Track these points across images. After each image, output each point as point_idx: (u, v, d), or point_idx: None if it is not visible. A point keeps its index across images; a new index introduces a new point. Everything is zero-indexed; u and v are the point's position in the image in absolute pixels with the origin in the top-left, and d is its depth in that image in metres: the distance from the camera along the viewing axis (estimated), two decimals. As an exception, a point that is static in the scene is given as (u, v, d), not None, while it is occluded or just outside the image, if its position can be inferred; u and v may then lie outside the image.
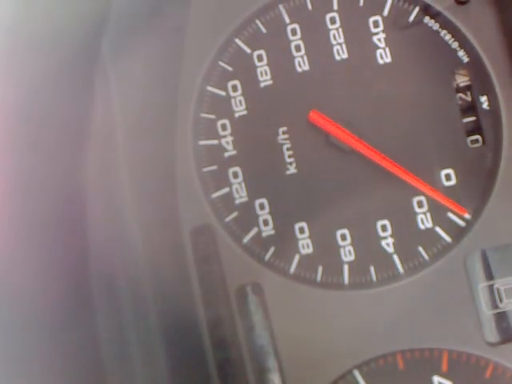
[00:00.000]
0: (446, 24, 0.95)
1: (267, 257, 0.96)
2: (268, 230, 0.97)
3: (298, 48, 0.97)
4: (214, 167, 0.98)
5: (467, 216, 0.94)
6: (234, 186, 0.97)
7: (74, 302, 0.83)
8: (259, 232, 0.97)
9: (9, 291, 0.73)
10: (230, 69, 0.98)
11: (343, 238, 0.95)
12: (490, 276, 0.93)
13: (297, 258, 0.96)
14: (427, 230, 0.95)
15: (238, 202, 0.97)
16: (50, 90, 0.79)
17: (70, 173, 0.86)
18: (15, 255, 0.74)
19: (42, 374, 0.76)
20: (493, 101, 0.94)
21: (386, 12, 0.96)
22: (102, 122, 0.89)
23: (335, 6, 0.96)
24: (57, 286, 0.80)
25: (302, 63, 0.97)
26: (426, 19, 0.95)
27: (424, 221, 0.95)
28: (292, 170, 0.96)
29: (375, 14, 0.96)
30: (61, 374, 0.78)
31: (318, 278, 0.96)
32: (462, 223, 0.94)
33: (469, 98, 0.95)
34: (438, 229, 0.94)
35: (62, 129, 0.83)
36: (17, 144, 0.75)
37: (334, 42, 0.97)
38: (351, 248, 0.95)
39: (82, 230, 0.86)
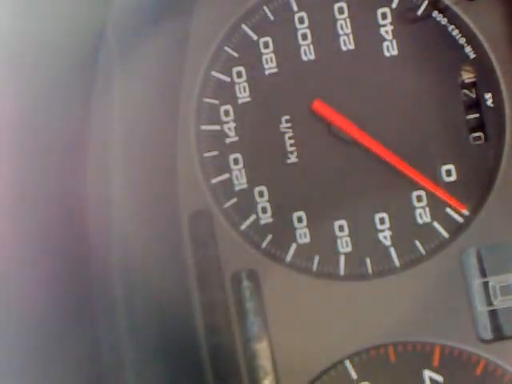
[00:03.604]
0: (454, 19, 0.94)
1: (264, 244, 0.97)
2: (266, 218, 0.97)
3: (304, 36, 0.97)
4: (215, 153, 0.98)
5: (466, 212, 0.94)
6: (234, 173, 0.97)
7: (74, 307, 0.83)
8: (257, 219, 0.97)
9: (9, 299, 0.73)
10: (235, 55, 0.98)
11: (341, 228, 0.96)
12: (485, 273, 0.93)
13: (294, 246, 0.96)
14: (425, 224, 0.95)
15: (237, 188, 0.97)
16: (49, 100, 0.79)
17: (70, 171, 0.86)
18: (15, 264, 0.74)
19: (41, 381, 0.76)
20: (497, 98, 0.94)
21: (394, 4, 0.95)
22: (102, 104, 0.89)
23: None
24: (56, 293, 0.80)
25: (307, 52, 0.97)
26: (435, 13, 0.95)
27: (422, 215, 0.95)
28: (293, 158, 0.96)
29: (384, 6, 0.96)
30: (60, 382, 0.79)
31: (314, 267, 0.96)
32: (460, 219, 0.94)
33: (473, 95, 0.95)
34: (435, 224, 0.94)
35: (62, 134, 0.83)
36: (16, 154, 0.75)
37: (340, 32, 0.96)
38: (348, 239, 0.95)
39: (81, 231, 0.86)
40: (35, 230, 0.77)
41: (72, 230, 0.84)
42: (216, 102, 0.98)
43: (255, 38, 0.98)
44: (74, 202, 0.85)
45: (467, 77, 0.95)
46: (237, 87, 0.98)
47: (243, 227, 0.97)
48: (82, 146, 0.87)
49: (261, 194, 0.97)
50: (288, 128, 0.97)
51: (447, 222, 0.94)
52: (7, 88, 0.73)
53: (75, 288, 0.84)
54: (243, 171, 0.97)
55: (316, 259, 0.96)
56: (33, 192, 0.77)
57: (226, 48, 0.98)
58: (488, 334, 0.93)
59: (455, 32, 0.95)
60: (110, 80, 0.89)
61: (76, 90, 0.86)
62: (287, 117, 0.97)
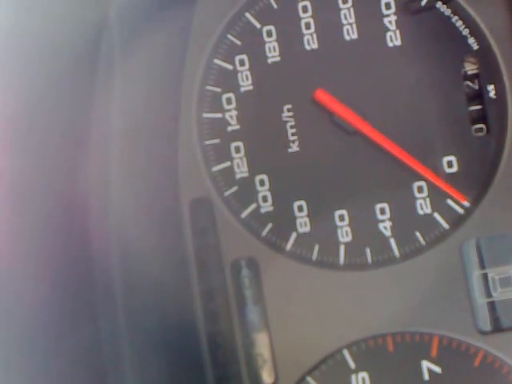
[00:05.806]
0: (458, 10, 0.94)
1: (264, 233, 0.97)
2: (267, 207, 0.97)
3: (307, 25, 0.97)
4: (217, 140, 0.98)
5: (466, 204, 0.94)
6: (236, 161, 0.97)
7: (75, 304, 0.83)
8: (258, 208, 0.97)
9: (9, 296, 0.73)
10: (238, 43, 0.98)
11: (341, 218, 0.96)
12: (485, 265, 0.93)
13: (294, 235, 0.96)
14: (425, 215, 0.95)
15: (238, 176, 0.97)
16: (50, 97, 0.79)
17: (70, 160, 0.85)
18: (17, 261, 0.74)
19: (41, 379, 0.76)
20: (500, 90, 0.94)
21: (398, -6, 0.96)
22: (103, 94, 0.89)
23: None
24: (56, 288, 0.80)
25: (310, 41, 0.97)
26: (438, 4, 0.95)
27: (423, 206, 0.95)
28: (294, 148, 0.96)
29: None
30: (60, 379, 0.79)
31: (314, 256, 0.96)
32: (460, 211, 0.94)
33: (476, 86, 0.95)
34: (436, 215, 0.95)
35: (62, 125, 0.83)
36: (16, 150, 0.75)
37: (344, 22, 0.96)
38: (348, 229, 0.96)
39: (81, 223, 0.86)
40: (35, 226, 0.77)
41: (72, 223, 0.84)
42: (218, 89, 0.98)
43: (258, 26, 0.98)
44: (74, 193, 0.85)
45: (470, 68, 0.95)
46: (239, 75, 0.98)
47: (244, 215, 0.97)
48: (82, 136, 0.87)
49: (262, 183, 0.97)
50: (290, 117, 0.97)
51: (448, 213, 0.94)
52: (7, 84, 0.73)
53: (75, 282, 0.84)
54: (244, 159, 0.97)
55: (316, 248, 0.96)
56: (33, 186, 0.77)
57: (229, 36, 0.98)
58: (487, 326, 0.93)
59: (459, 23, 0.95)
60: (112, 68, 0.89)
61: (77, 80, 0.86)
62: (289, 106, 0.97)
